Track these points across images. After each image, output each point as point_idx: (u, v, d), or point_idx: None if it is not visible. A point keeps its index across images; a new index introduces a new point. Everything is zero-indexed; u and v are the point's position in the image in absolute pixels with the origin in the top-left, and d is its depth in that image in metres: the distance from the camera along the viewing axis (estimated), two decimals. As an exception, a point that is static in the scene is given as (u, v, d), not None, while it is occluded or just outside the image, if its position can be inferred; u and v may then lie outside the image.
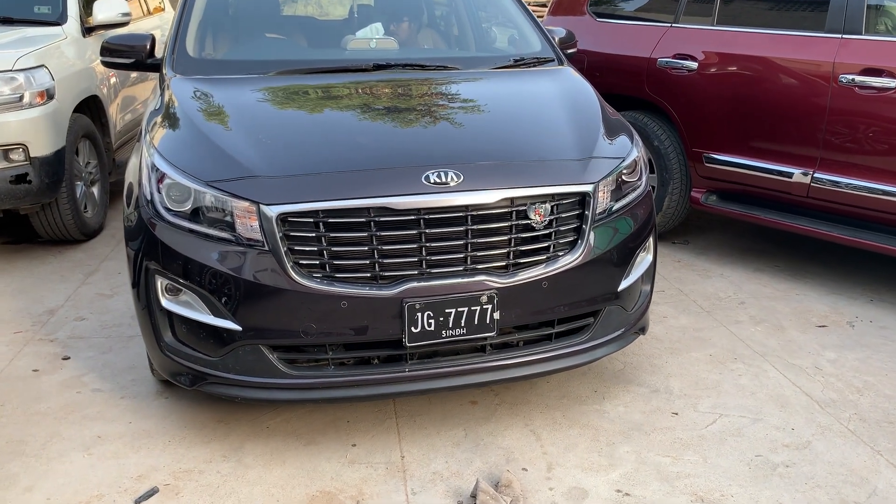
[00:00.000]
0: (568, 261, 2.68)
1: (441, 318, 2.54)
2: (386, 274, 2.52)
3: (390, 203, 2.48)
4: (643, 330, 3.07)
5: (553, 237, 2.67)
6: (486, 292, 2.56)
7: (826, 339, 3.63)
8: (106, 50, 3.61)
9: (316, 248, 2.49)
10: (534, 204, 2.61)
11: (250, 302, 2.50)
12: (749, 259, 4.67)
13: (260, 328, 2.52)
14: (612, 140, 2.98)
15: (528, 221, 2.61)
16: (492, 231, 2.59)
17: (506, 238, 2.60)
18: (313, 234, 2.48)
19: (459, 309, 2.55)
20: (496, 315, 2.59)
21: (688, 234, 5.15)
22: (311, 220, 2.47)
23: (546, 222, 2.64)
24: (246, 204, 2.48)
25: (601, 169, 2.78)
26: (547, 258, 2.66)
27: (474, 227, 2.56)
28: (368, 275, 2.52)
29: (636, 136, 3.12)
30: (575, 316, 2.79)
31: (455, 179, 2.55)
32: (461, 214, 2.54)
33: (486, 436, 2.84)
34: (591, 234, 2.72)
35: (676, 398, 3.10)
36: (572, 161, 2.76)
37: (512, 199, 2.59)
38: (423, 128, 2.85)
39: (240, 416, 2.95)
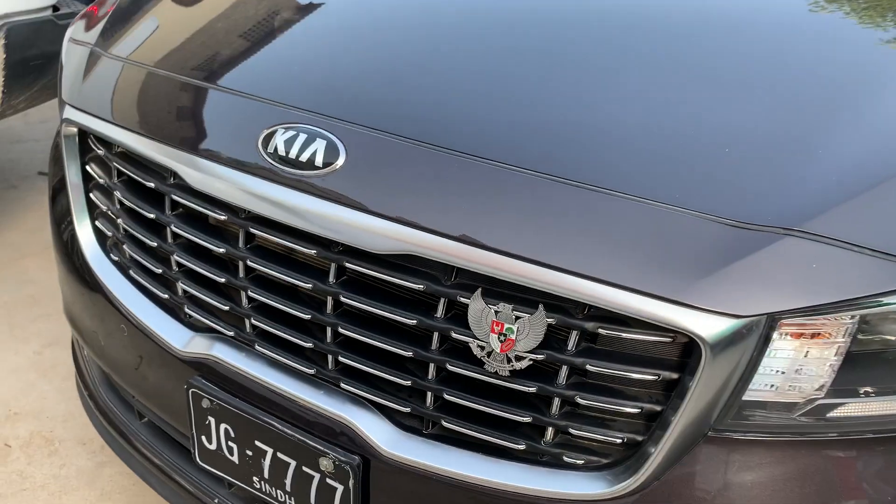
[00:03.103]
0: (588, 493, 0.91)
1: (249, 453, 1.13)
2: (194, 313, 1.19)
3: (188, 170, 1.09)
4: None
5: (555, 411, 0.92)
6: (336, 456, 1.03)
7: None
8: None
9: (108, 208, 1.29)
10: (497, 306, 0.89)
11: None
12: None
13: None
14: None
15: (479, 343, 0.92)
16: (384, 323, 1.00)
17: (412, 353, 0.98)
18: (103, 182, 1.27)
19: (281, 456, 1.10)
20: (353, 508, 1.05)
21: None
22: (103, 152, 1.26)
23: (526, 363, 0.90)
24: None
25: (787, 286, 0.80)
26: (540, 456, 0.96)
27: (350, 296, 1.00)
28: (165, 295, 1.22)
29: None
30: None
31: (323, 159, 0.98)
32: (329, 255, 1.00)
33: None
34: (700, 454, 0.86)
35: None
36: (702, 222, 0.84)
37: (457, 273, 0.93)
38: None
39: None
